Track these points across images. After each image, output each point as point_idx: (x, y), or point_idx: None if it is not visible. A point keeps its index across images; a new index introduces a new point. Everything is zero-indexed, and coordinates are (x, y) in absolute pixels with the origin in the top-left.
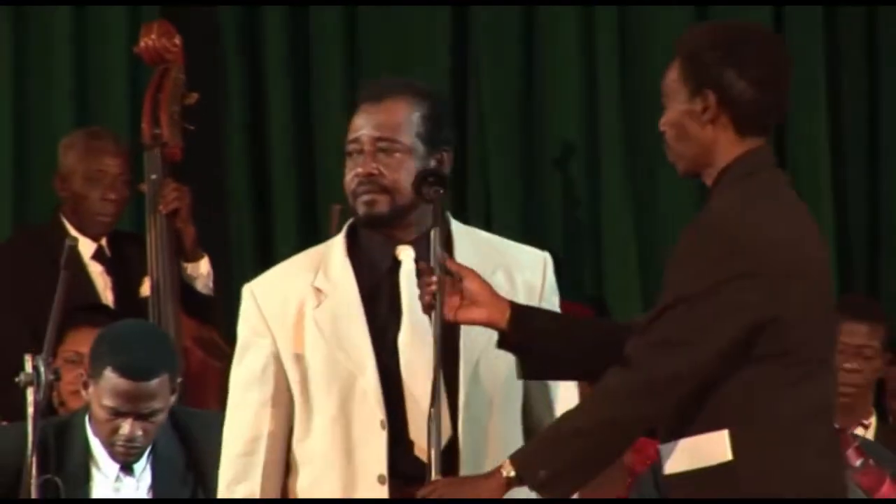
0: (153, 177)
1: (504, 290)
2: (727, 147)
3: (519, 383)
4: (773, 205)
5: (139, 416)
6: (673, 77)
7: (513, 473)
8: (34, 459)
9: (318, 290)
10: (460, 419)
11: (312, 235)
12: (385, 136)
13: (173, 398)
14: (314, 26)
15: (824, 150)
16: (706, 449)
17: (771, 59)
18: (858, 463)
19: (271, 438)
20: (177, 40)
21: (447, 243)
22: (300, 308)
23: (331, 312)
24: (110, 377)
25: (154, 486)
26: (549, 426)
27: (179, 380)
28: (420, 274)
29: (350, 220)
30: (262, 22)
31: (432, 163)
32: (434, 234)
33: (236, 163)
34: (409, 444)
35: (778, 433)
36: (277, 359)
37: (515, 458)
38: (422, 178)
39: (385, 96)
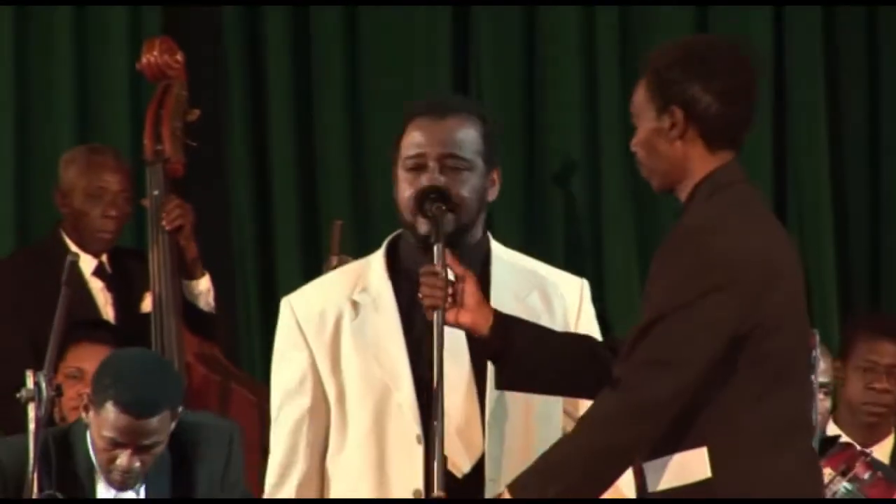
0: (155, 193)
1: (540, 311)
2: (698, 162)
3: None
4: (745, 218)
5: (138, 449)
6: (640, 97)
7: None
8: (35, 475)
9: (356, 304)
10: (486, 434)
11: (314, 251)
12: (452, 152)
13: (173, 424)
14: (314, 26)
15: (824, 151)
16: (688, 466)
17: (735, 72)
18: (867, 476)
19: (309, 449)
20: (179, 56)
21: (485, 264)
22: (337, 321)
23: (368, 325)
24: (112, 410)
25: (148, 494)
26: (545, 452)
27: (181, 409)
28: (425, 275)
29: (393, 234)
30: (262, 22)
31: (488, 182)
32: (437, 249)
33: (238, 179)
34: (445, 459)
35: (757, 444)
36: (315, 371)
37: (514, 486)
38: (424, 195)
39: (448, 113)
